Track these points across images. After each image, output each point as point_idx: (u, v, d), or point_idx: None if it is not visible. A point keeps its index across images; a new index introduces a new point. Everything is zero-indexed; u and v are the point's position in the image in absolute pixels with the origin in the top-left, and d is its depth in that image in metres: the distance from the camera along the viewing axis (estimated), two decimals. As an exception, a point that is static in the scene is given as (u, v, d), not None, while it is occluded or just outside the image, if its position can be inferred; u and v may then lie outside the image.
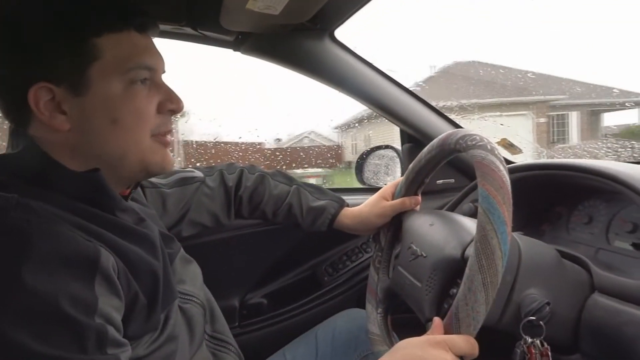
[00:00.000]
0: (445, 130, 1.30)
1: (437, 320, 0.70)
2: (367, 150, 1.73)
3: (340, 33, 1.27)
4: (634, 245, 0.91)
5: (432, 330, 0.70)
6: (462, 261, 0.79)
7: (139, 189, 0.96)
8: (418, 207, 1.08)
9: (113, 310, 0.62)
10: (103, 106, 0.69)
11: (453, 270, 0.80)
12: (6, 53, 0.68)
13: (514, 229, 0.69)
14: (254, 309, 1.47)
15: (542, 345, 0.74)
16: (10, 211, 0.61)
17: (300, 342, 1.18)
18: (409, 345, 0.67)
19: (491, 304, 0.64)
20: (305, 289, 1.50)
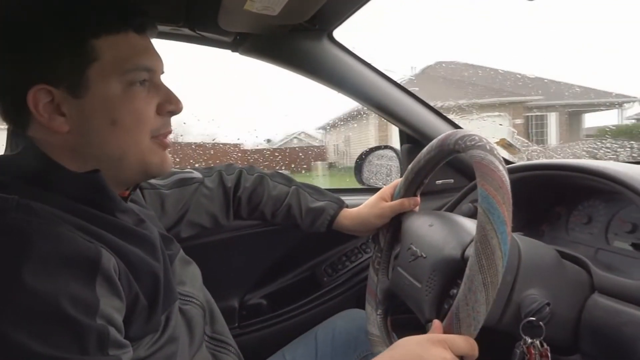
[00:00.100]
0: (444, 130, 1.30)
1: (436, 322, 0.70)
2: (366, 151, 1.73)
3: (339, 33, 1.27)
4: (634, 245, 0.91)
5: (432, 330, 0.70)
6: (462, 261, 0.79)
7: (137, 190, 0.96)
8: (417, 208, 1.08)
9: (114, 311, 0.62)
10: (102, 107, 0.69)
11: (453, 270, 0.80)
12: (4, 54, 0.68)
13: (514, 230, 0.69)
14: (254, 310, 1.47)
15: (542, 345, 0.74)
16: (11, 212, 0.60)
17: (299, 343, 1.18)
18: (409, 343, 0.68)
19: (491, 304, 0.64)
20: (304, 290, 1.50)
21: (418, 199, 1.07)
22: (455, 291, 0.78)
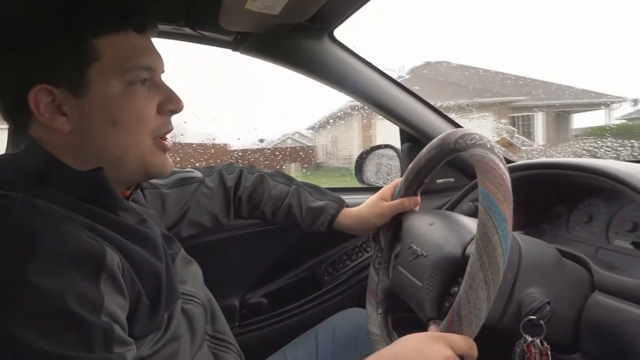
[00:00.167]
0: (445, 129, 1.30)
1: (434, 327, 0.71)
2: (367, 150, 1.73)
3: (340, 32, 1.27)
4: (634, 244, 0.91)
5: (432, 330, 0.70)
6: (463, 259, 0.79)
7: (138, 190, 0.96)
8: (417, 208, 1.08)
9: (118, 309, 0.62)
10: (103, 107, 0.69)
11: (454, 268, 0.80)
12: (5, 54, 0.68)
13: (514, 229, 0.69)
14: (254, 309, 1.47)
15: (542, 344, 0.74)
16: (16, 210, 0.60)
17: (300, 342, 1.18)
18: (411, 339, 0.68)
19: (493, 301, 0.65)
20: (305, 289, 1.50)
21: (418, 198, 1.07)
22: (456, 289, 0.79)
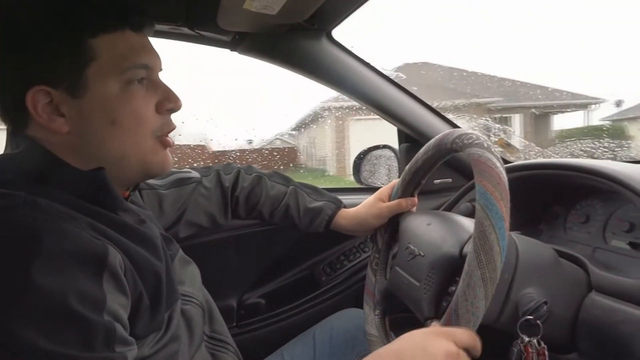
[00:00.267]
0: (443, 129, 1.30)
1: (435, 324, 0.70)
2: (365, 150, 1.73)
3: (338, 33, 1.27)
4: (631, 244, 0.91)
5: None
6: (460, 259, 0.79)
7: (136, 191, 0.96)
8: (414, 209, 1.09)
9: (120, 308, 0.62)
10: (101, 107, 0.69)
11: (451, 268, 0.80)
12: (2, 55, 0.68)
13: (512, 229, 0.69)
14: (252, 309, 1.47)
15: (539, 344, 0.74)
16: (18, 209, 0.60)
17: (298, 342, 1.18)
18: (412, 336, 0.66)
19: (490, 299, 0.64)
20: (303, 289, 1.50)
21: (415, 199, 1.07)
22: (453, 288, 0.79)
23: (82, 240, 0.60)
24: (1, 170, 0.67)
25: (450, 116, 1.48)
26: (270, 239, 1.45)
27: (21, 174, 0.67)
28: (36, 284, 0.54)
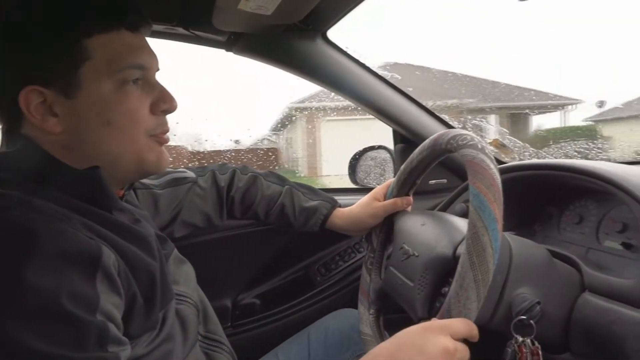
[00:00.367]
0: (438, 130, 1.30)
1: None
2: (360, 151, 1.73)
3: (333, 33, 1.27)
4: (624, 244, 0.91)
5: None
6: (454, 260, 0.79)
7: (131, 190, 0.95)
8: (410, 208, 1.09)
9: (114, 308, 0.62)
10: (95, 108, 0.69)
11: (445, 269, 0.80)
12: None
13: (506, 229, 0.69)
14: (247, 309, 1.47)
15: (533, 344, 0.75)
16: (12, 209, 0.60)
17: (292, 342, 1.18)
18: (408, 334, 0.66)
19: (483, 301, 0.65)
20: (297, 289, 1.50)
21: (411, 198, 1.07)
22: (447, 289, 0.79)
23: (76, 240, 0.60)
24: None
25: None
26: (266, 239, 1.45)
27: (16, 173, 0.67)
28: (30, 284, 0.54)
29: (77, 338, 0.56)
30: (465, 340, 0.65)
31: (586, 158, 3.08)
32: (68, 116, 0.68)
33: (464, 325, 0.64)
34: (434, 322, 0.66)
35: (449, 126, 1.49)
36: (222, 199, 1.16)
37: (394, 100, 1.43)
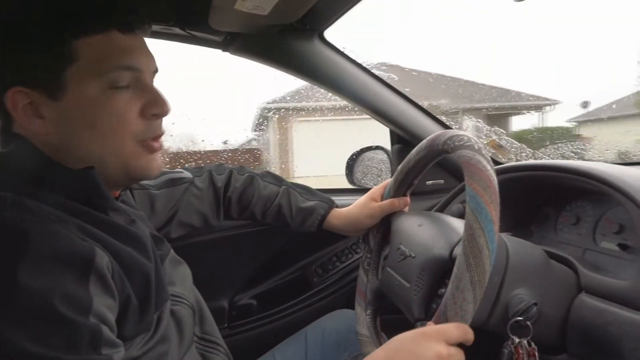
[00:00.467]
0: (435, 131, 1.30)
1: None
2: (357, 151, 1.73)
3: (330, 34, 1.27)
4: (620, 245, 0.91)
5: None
6: (450, 261, 0.79)
7: (127, 191, 0.95)
8: (407, 208, 1.09)
9: (107, 310, 0.61)
10: (80, 110, 0.68)
11: (441, 270, 0.80)
12: None
13: (502, 230, 0.69)
14: (244, 310, 1.47)
15: (530, 345, 0.75)
16: (5, 211, 0.60)
17: (289, 343, 1.18)
18: (402, 340, 0.66)
19: (479, 302, 0.65)
20: (294, 290, 1.50)
21: (408, 199, 1.07)
22: (443, 290, 0.79)
23: (70, 242, 0.60)
24: None
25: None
26: (263, 240, 1.45)
27: (10, 173, 0.66)
28: (22, 285, 0.54)
29: (70, 340, 0.56)
30: (460, 344, 0.65)
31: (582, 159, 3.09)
32: (54, 118, 0.68)
33: (458, 330, 0.64)
34: (429, 327, 0.66)
35: (447, 127, 1.49)
36: (219, 200, 1.15)
37: (391, 100, 1.43)
